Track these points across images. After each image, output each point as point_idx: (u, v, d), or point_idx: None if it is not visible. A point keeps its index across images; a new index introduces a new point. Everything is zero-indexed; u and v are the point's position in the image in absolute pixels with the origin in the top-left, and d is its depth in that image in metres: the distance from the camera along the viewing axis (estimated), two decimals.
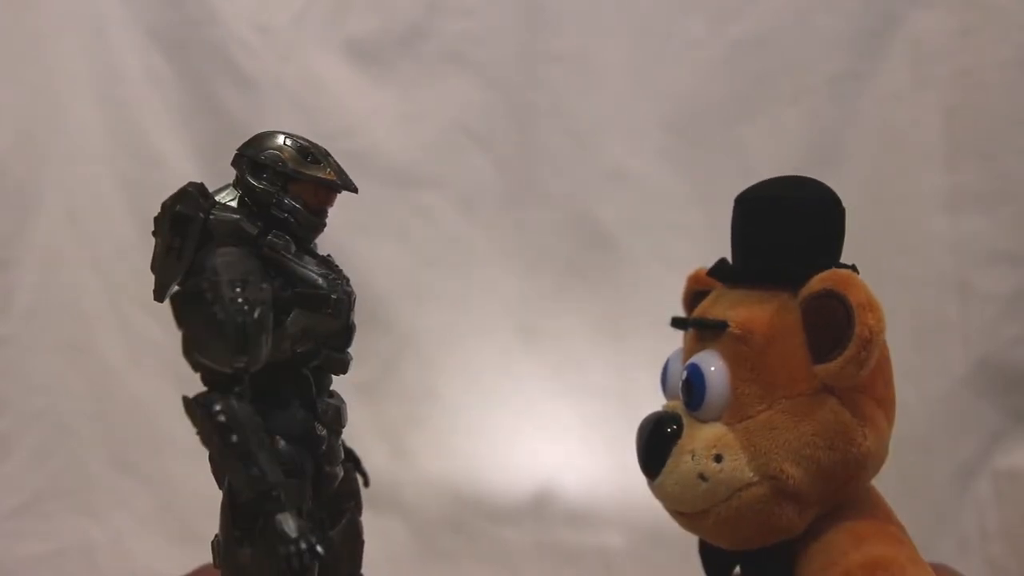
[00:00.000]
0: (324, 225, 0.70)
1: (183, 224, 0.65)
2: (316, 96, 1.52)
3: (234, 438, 0.61)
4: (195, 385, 0.64)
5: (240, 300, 0.61)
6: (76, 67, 1.50)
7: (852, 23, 1.43)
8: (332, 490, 0.72)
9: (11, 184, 1.48)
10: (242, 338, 0.61)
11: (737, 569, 0.73)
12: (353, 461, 0.79)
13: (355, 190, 0.70)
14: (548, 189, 1.52)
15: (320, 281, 0.67)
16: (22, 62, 1.48)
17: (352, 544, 0.75)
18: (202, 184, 0.67)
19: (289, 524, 0.61)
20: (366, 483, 0.81)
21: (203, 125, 1.51)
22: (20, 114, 1.49)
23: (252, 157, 0.68)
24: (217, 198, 0.68)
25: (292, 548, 0.60)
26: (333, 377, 0.72)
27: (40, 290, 1.49)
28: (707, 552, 0.73)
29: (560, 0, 1.50)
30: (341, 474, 0.72)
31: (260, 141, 0.69)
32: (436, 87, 1.52)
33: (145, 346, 1.49)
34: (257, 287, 0.63)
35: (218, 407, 0.61)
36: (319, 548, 0.61)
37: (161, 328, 1.47)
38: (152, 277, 0.67)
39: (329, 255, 0.72)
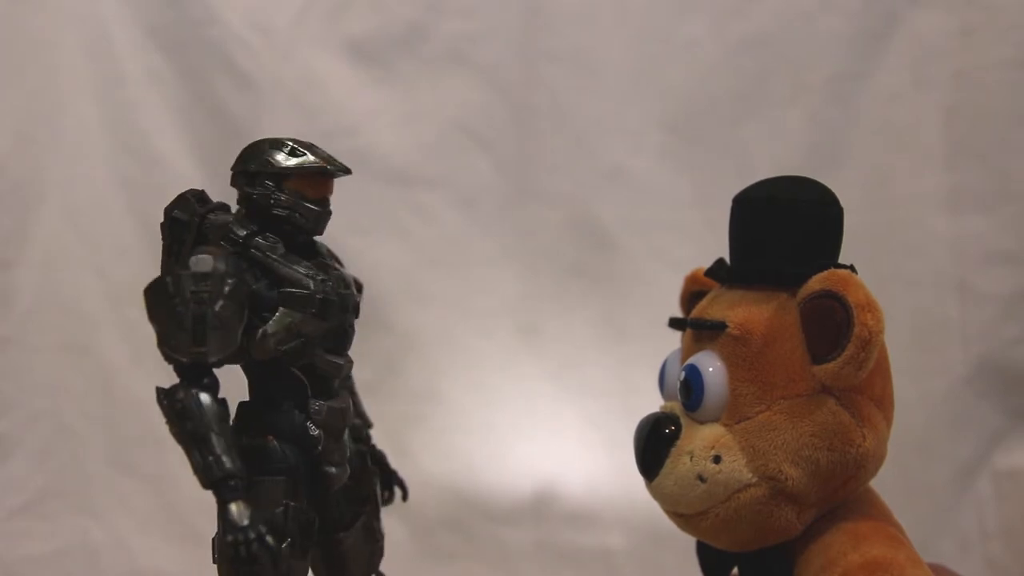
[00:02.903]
0: (329, 213, 0.72)
1: (179, 228, 0.69)
2: (316, 96, 1.52)
3: (189, 425, 0.63)
4: None
5: (201, 293, 0.64)
6: (76, 67, 1.50)
7: (852, 23, 1.43)
8: (334, 490, 0.72)
9: (11, 184, 1.48)
10: (200, 329, 0.64)
11: (735, 570, 0.73)
12: (388, 472, 0.83)
13: (347, 171, 0.71)
14: (548, 189, 1.52)
15: (305, 281, 0.68)
16: (22, 62, 1.49)
17: (369, 546, 0.77)
18: (202, 191, 0.70)
19: (240, 512, 0.62)
20: (404, 496, 0.85)
21: (203, 125, 1.51)
22: (20, 114, 1.48)
23: (243, 170, 0.70)
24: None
25: (240, 536, 0.61)
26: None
27: (40, 290, 1.49)
28: (705, 553, 0.73)
29: (560, 0, 1.50)
30: (345, 474, 0.73)
31: (246, 153, 0.71)
32: (436, 87, 1.53)
33: (145, 346, 1.47)
34: (221, 281, 0.65)
35: (180, 395, 0.64)
36: (269, 540, 0.62)
37: None
38: (153, 275, 0.69)
39: (334, 259, 0.74)
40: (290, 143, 0.70)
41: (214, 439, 0.63)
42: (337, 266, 0.74)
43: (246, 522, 0.62)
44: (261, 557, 0.62)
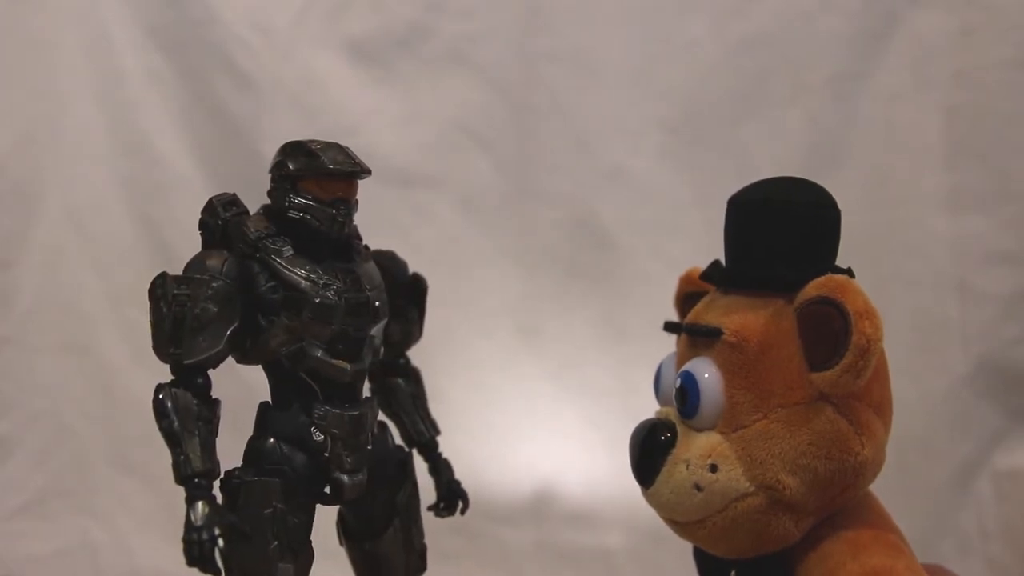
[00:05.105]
0: (345, 216, 0.70)
1: (205, 230, 0.70)
2: (316, 96, 1.52)
3: (164, 423, 0.65)
4: None
5: (181, 295, 0.65)
6: (76, 67, 1.51)
7: (852, 23, 1.43)
8: (350, 499, 0.72)
9: (11, 184, 1.48)
10: (177, 331, 0.65)
11: (732, 573, 0.72)
12: (448, 483, 0.82)
13: (356, 174, 0.70)
14: (548, 189, 1.52)
15: (303, 284, 0.68)
16: (23, 62, 1.49)
17: (406, 556, 0.79)
18: (233, 196, 0.71)
19: (196, 512, 0.63)
20: (463, 509, 0.84)
21: (203, 125, 1.51)
22: (21, 114, 1.49)
23: (270, 172, 0.70)
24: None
25: (193, 536, 0.62)
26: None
27: (40, 290, 1.49)
28: (702, 557, 0.72)
29: (560, 0, 1.50)
30: (361, 483, 0.72)
31: (275, 155, 0.70)
32: (436, 87, 1.53)
33: (145, 346, 1.48)
34: (205, 284, 0.66)
35: (161, 395, 0.65)
36: (220, 541, 0.63)
37: None
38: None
39: (355, 263, 0.72)
40: (305, 142, 0.69)
41: (186, 438, 0.64)
42: (358, 269, 0.72)
43: (200, 523, 0.63)
44: (211, 557, 0.63)
